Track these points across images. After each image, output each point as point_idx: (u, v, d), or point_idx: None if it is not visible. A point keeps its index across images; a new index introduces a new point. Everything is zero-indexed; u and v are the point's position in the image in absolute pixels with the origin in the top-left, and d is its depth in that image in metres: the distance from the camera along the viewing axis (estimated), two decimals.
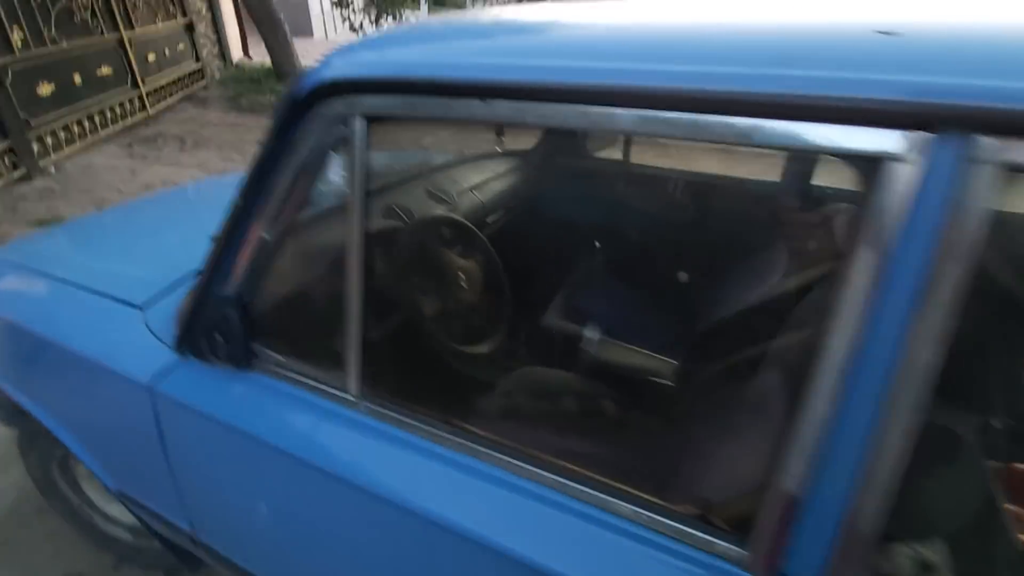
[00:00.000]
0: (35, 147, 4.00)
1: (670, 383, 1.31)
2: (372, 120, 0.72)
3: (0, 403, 1.45)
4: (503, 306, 1.34)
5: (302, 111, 0.75)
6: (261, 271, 0.86)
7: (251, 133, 5.76)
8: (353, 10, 7.27)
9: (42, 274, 1.25)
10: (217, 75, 7.49)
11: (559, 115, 0.60)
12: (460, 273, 1.25)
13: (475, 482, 0.73)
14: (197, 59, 6.86)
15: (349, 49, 0.77)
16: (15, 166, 3.82)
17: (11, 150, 3.77)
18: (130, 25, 5.32)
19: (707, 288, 1.53)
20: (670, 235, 1.72)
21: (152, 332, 1.00)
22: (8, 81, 3.73)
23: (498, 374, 1.11)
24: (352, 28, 7.35)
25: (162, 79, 5.90)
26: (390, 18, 7.17)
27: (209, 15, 7.49)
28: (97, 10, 4.79)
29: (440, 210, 1.54)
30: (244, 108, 6.55)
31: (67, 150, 4.35)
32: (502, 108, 0.63)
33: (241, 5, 8.40)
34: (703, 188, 1.79)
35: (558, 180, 1.99)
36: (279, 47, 7.40)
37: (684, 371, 1.32)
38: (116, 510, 1.53)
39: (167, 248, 1.39)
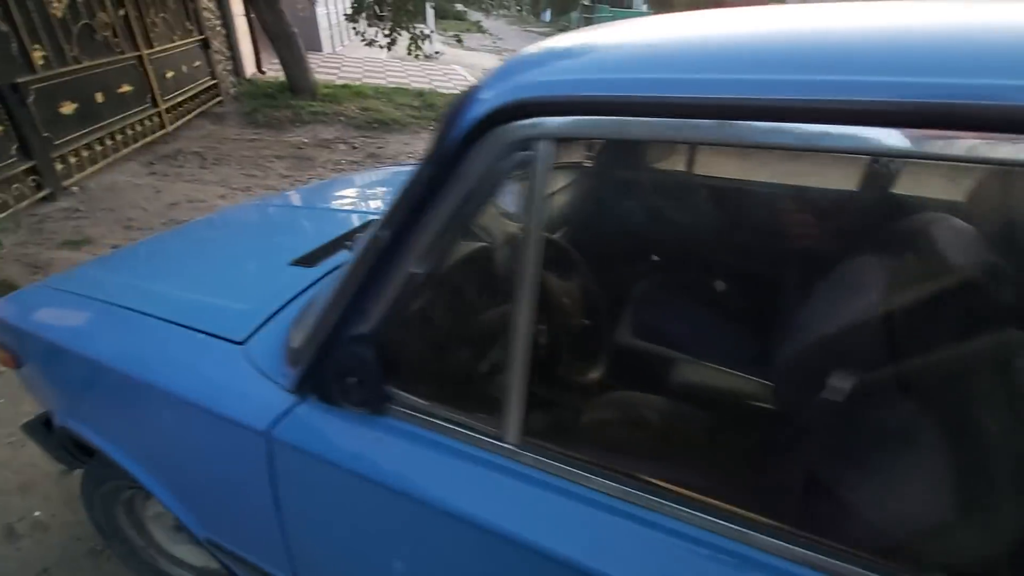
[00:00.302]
0: (58, 167, 3.92)
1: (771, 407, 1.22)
2: (558, 142, 0.63)
3: (60, 442, 1.36)
4: (604, 330, 1.25)
5: (475, 136, 0.66)
6: (405, 309, 0.77)
7: (269, 148, 5.70)
8: (367, 24, 7.24)
9: (116, 306, 1.16)
10: (232, 91, 7.45)
11: (845, 137, 0.51)
12: (565, 298, 1.16)
13: (669, 541, 0.63)
14: (212, 75, 6.82)
15: (526, 64, 0.68)
16: (39, 186, 3.74)
17: (34, 170, 3.69)
18: (149, 43, 5.27)
19: (796, 303, 1.44)
20: (753, 248, 1.63)
21: (260, 371, 0.91)
22: (30, 100, 3.66)
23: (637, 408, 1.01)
24: (366, 42, 7.32)
25: (180, 96, 5.85)
26: (404, 32, 7.14)
27: (223, 32, 7.47)
28: (117, 29, 4.75)
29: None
30: (260, 123, 6.50)
31: (89, 169, 4.27)
32: (746, 130, 0.54)
33: (255, 22, 8.40)
34: (779, 198, 1.71)
35: (624, 192, 1.91)
36: (294, 62, 7.38)
37: (786, 394, 1.23)
38: (183, 551, 1.43)
39: (245, 276, 1.30)
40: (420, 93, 8.63)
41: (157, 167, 4.83)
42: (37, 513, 1.66)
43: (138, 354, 1.04)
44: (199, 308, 1.10)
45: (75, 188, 4.07)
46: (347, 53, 13.50)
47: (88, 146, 4.27)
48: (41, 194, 3.74)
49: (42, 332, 1.17)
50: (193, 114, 6.17)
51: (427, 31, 7.14)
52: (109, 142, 4.55)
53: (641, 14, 29.77)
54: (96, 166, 4.35)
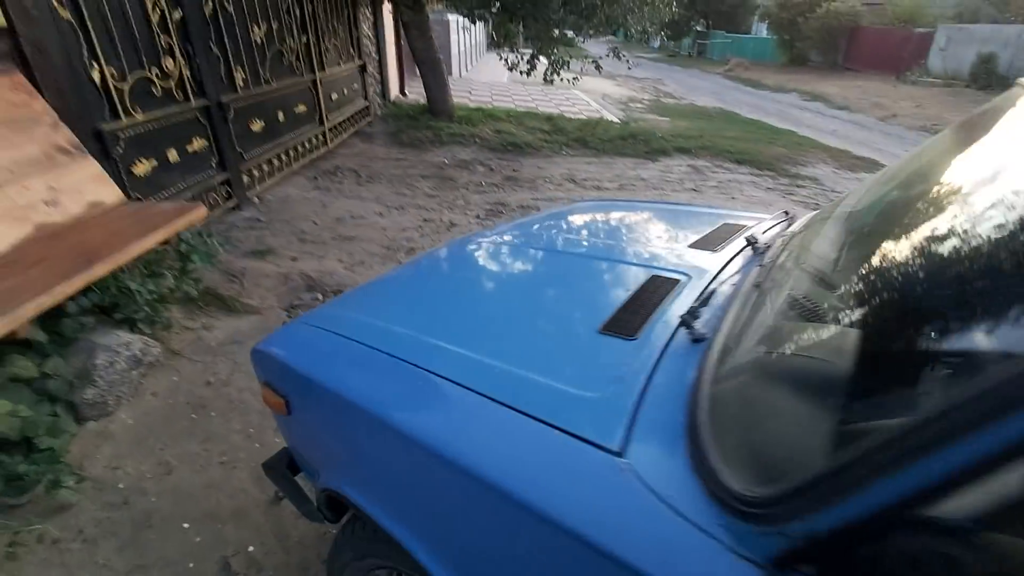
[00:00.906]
0: (245, 179, 4.19)
1: None
2: None
3: (316, 499, 1.22)
4: None
5: None
6: None
7: (414, 168, 5.82)
8: (512, 51, 7.28)
9: (409, 365, 1.00)
10: (379, 112, 7.82)
11: None
12: None
13: None
14: (365, 97, 7.18)
15: None
16: (229, 196, 3.99)
17: (227, 182, 3.95)
18: (323, 67, 5.61)
19: None
20: None
21: (673, 508, 0.66)
22: (231, 117, 3.93)
23: None
24: (510, 68, 7.36)
25: (340, 116, 6.17)
26: (544, 58, 7.10)
27: (376, 58, 7.88)
28: (300, 54, 5.07)
29: None
30: (405, 143, 6.71)
31: (268, 182, 4.54)
32: None
33: (404, 48, 8.82)
34: None
35: None
36: (437, 86, 7.60)
37: None
38: None
39: (547, 341, 1.07)
40: (549, 117, 8.58)
41: (320, 182, 5.07)
42: (251, 548, 1.58)
43: (457, 433, 0.86)
44: (520, 384, 0.91)
45: (256, 199, 4.32)
46: (474, 77, 13.93)
47: (268, 161, 4.54)
48: (231, 204, 3.99)
49: (329, 382, 1.04)
50: (348, 133, 6.49)
51: (567, 58, 7.05)
52: (284, 157, 4.83)
53: (760, 40, 28.08)
54: (273, 179, 4.62)
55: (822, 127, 11.11)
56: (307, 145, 5.29)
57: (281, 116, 4.74)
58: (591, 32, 6.82)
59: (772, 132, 9.72)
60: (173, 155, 3.32)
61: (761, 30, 29.91)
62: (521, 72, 7.19)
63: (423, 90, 7.80)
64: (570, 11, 6.22)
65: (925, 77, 16.58)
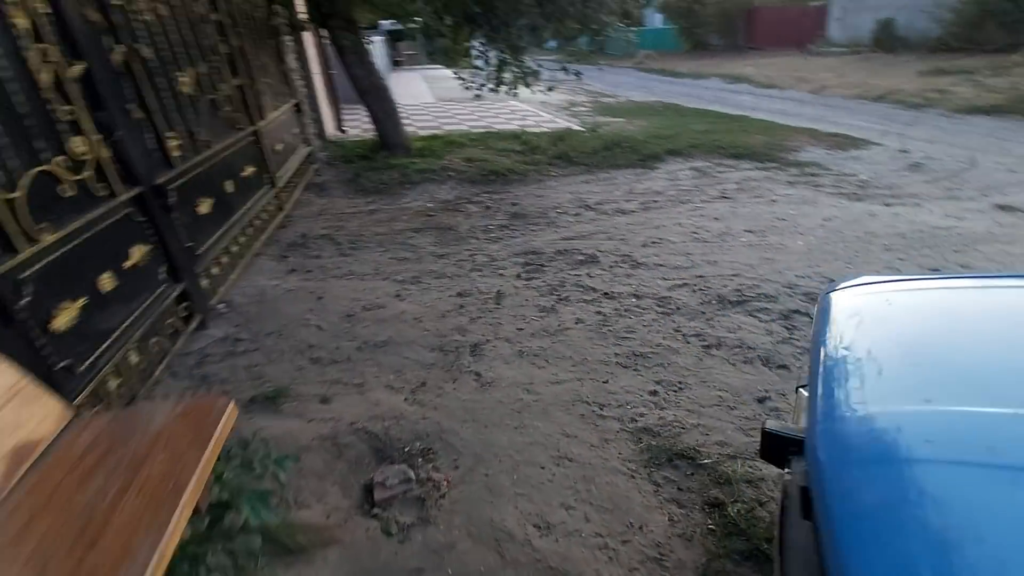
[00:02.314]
0: (204, 283, 3.05)
1: None
2: None
3: None
4: None
5: None
6: None
7: (396, 220, 4.82)
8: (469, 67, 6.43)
9: None
10: (323, 155, 6.69)
11: None
12: None
13: None
14: (307, 141, 6.06)
15: None
16: (190, 314, 2.85)
17: (185, 295, 2.81)
18: (261, 113, 4.49)
19: None
20: None
21: None
22: (173, 203, 2.81)
23: None
24: (477, 93, 6.52)
25: (288, 170, 5.04)
26: (513, 70, 6.32)
27: (307, 92, 6.76)
28: (235, 100, 3.95)
29: None
30: (368, 189, 5.67)
31: (231, 277, 3.40)
32: None
33: (336, 79, 7.72)
34: None
35: None
36: (386, 116, 6.62)
37: None
38: None
39: None
40: (514, 135, 7.81)
41: (293, 260, 3.96)
42: None
43: None
44: None
45: (222, 305, 3.18)
46: (400, 101, 12.90)
47: (226, 250, 3.40)
48: (193, 325, 2.85)
49: None
50: (300, 189, 5.36)
51: (535, 67, 6.32)
52: (242, 239, 3.69)
53: (659, 31, 29.12)
54: (236, 272, 3.48)
55: (768, 108, 11.17)
56: (264, 216, 4.16)
57: (230, 186, 3.61)
58: (564, 38, 6.14)
59: (732, 120, 9.54)
60: (107, 282, 2.19)
61: (656, 21, 31.05)
62: (490, 89, 6.37)
63: (364, 124, 6.77)
64: (542, 15, 5.48)
65: (829, 47, 17.57)
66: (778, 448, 1.42)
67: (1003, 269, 3.35)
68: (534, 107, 11.57)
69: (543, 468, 1.92)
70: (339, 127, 7.74)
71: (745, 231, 4.19)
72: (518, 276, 3.57)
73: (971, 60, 11.99)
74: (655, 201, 5.10)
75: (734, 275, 3.41)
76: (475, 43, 6.41)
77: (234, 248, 3.53)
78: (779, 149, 6.94)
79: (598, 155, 6.68)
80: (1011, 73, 10.50)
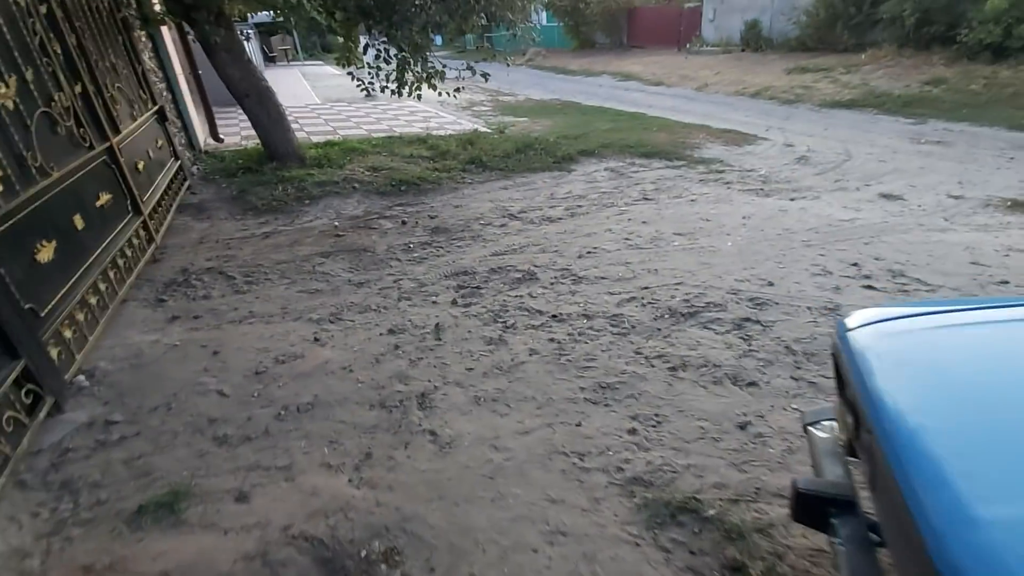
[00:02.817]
0: (53, 353, 2.37)
1: None
2: None
3: None
4: None
5: None
6: None
7: (300, 244, 4.26)
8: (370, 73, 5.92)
9: None
10: (195, 168, 5.82)
11: None
12: None
13: None
14: (174, 155, 5.21)
15: None
16: (37, 398, 2.19)
17: (27, 374, 2.15)
18: (115, 127, 3.71)
19: None
20: None
21: None
22: None
23: None
24: (367, 92, 6.00)
25: (156, 192, 4.26)
26: (414, 71, 5.90)
27: (171, 96, 5.87)
28: (79, 112, 3.19)
29: None
30: (260, 208, 5.00)
31: (92, 337, 2.71)
32: None
33: (202, 79, 6.78)
34: None
35: None
36: (271, 123, 5.92)
37: None
38: None
39: None
40: (420, 139, 7.39)
41: (173, 304, 3.29)
42: None
43: None
44: None
45: (82, 378, 2.51)
46: (283, 103, 11.81)
47: (82, 303, 2.71)
48: (44, 412, 2.19)
49: None
50: (171, 212, 4.57)
51: (440, 66, 5.95)
52: (103, 286, 2.98)
53: (545, 28, 29.71)
54: (98, 330, 2.79)
55: (660, 105, 11.71)
56: (128, 253, 3.43)
57: (80, 222, 2.90)
58: (463, 32, 5.84)
59: (633, 118, 9.84)
60: None
61: (541, 19, 31.73)
62: (392, 92, 5.90)
63: (245, 131, 6.02)
64: (446, 10, 5.15)
65: (704, 47, 18.93)
66: (815, 509, 1.27)
67: (912, 259, 3.61)
68: (434, 107, 11.16)
69: (536, 551, 1.64)
70: (213, 135, 6.82)
71: (675, 234, 4.19)
72: (454, 302, 3.24)
73: (827, 59, 13.46)
74: (579, 206, 4.99)
75: (678, 283, 3.35)
76: (371, 40, 5.91)
77: (92, 299, 2.83)
78: (683, 147, 7.21)
79: (512, 158, 6.49)
80: (860, 71, 11.91)
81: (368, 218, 4.84)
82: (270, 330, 2.99)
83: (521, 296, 3.28)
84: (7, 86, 2.50)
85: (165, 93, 5.76)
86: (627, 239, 4.13)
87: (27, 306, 2.26)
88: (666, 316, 2.99)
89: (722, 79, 14.22)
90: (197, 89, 6.61)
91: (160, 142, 4.84)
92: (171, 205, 4.61)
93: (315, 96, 13.27)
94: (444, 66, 6.02)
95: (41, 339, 2.28)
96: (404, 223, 4.70)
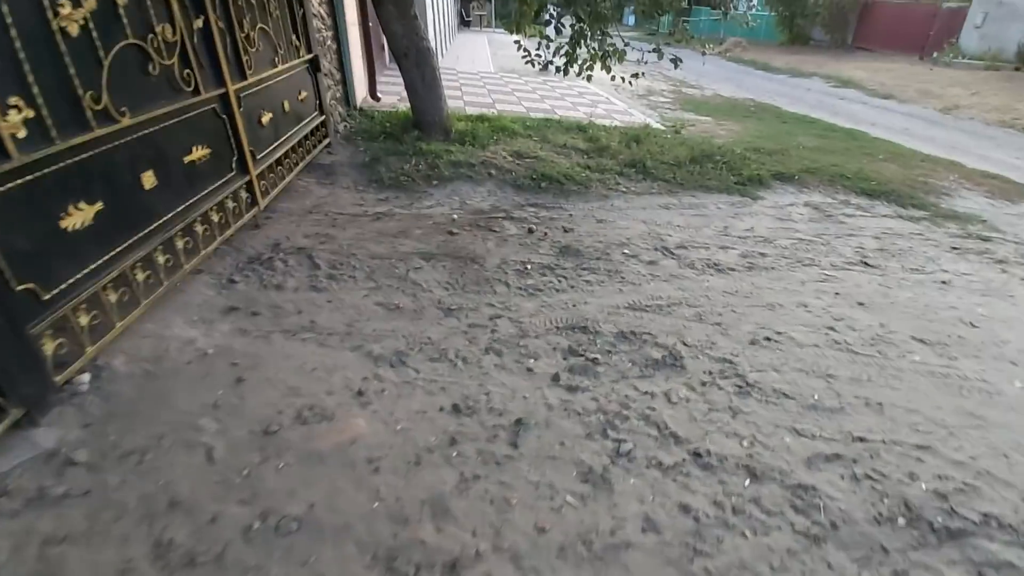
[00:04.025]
0: (49, 348, 1.87)
1: None
2: None
3: None
4: None
5: None
6: None
7: (407, 235, 3.54)
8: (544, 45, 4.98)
9: None
10: (342, 127, 5.44)
11: None
12: None
13: None
14: (320, 109, 4.81)
15: None
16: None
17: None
18: (241, 73, 3.25)
19: None
20: None
21: None
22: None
23: None
24: (535, 65, 5.08)
25: (279, 150, 3.81)
26: (590, 46, 4.84)
27: (334, 46, 5.49)
28: (190, 52, 2.71)
29: None
30: (385, 182, 4.41)
31: (122, 323, 2.22)
32: None
33: (374, 32, 6.42)
34: None
35: None
36: (425, 89, 5.27)
37: None
38: None
39: None
40: (579, 127, 6.35)
41: (242, 289, 2.76)
42: None
43: None
44: None
45: (86, 377, 2.01)
46: (453, 65, 11.51)
47: (122, 280, 2.21)
48: (3, 426, 1.68)
49: None
50: (295, 172, 4.14)
51: (623, 45, 4.82)
52: (163, 258, 2.50)
53: (753, 16, 26.53)
54: (137, 312, 2.29)
55: (888, 124, 9.18)
56: (215, 218, 2.96)
57: (149, 179, 2.41)
58: (661, 10, 4.62)
59: (849, 136, 7.72)
60: None
61: (750, 8, 28.00)
62: (557, 68, 4.93)
63: (402, 91, 5.46)
64: None
65: (959, 58, 14.90)
66: None
67: None
68: (606, 90, 9.96)
69: None
70: (372, 92, 6.48)
71: (914, 339, 2.70)
72: (555, 378, 2.25)
73: None
74: (762, 254, 3.63)
75: (921, 447, 1.99)
76: (549, 6, 4.95)
77: (141, 274, 2.34)
78: (923, 189, 5.24)
79: (683, 169, 5.17)
80: None
81: (492, 216, 3.99)
82: (318, 358, 2.28)
83: (653, 395, 2.18)
84: (78, 5, 1.99)
85: (330, 43, 5.42)
86: (831, 329, 2.75)
87: (21, 287, 1.75)
88: (899, 519, 1.69)
89: (981, 102, 10.90)
90: (364, 42, 6.24)
91: (304, 94, 4.44)
92: (297, 164, 4.19)
93: (491, 64, 12.76)
94: (627, 44, 4.86)
95: (28, 331, 1.77)
96: (531, 231, 3.77)
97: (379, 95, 6.58)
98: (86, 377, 2.01)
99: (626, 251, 3.54)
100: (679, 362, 2.40)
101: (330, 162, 4.70)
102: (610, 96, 9.44)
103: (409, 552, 1.49)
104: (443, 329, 2.58)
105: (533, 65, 5.36)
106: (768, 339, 2.63)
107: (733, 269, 3.38)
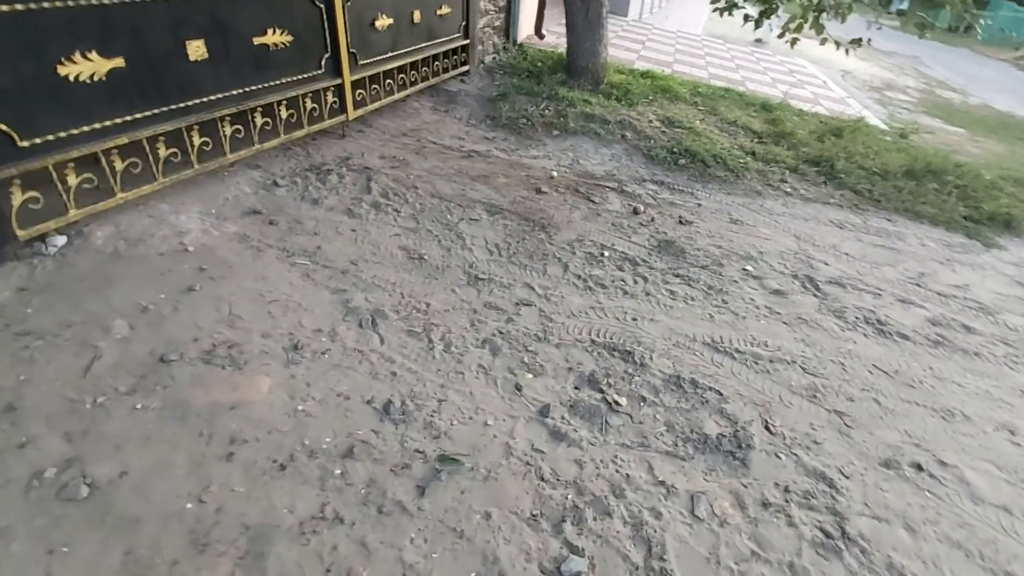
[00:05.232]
0: (16, 200, 1.70)
1: None
2: None
3: None
4: None
5: None
6: None
7: (488, 180, 2.96)
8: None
9: None
10: (487, 59, 4.93)
11: None
12: None
13: None
14: (465, 33, 4.32)
15: None
16: None
17: None
18: None
19: None
20: None
21: None
22: None
23: None
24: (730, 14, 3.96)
25: (389, 62, 3.42)
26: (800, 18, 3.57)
27: None
28: None
29: None
30: (501, 120, 3.82)
31: (126, 195, 2.03)
32: None
33: None
34: None
35: None
36: (584, 27, 4.48)
37: None
38: None
39: None
40: (764, 105, 4.99)
41: (279, 193, 2.47)
42: None
43: None
44: None
45: (60, 240, 1.85)
46: (657, 23, 10.19)
47: (133, 148, 2.01)
48: None
49: None
50: (409, 91, 3.75)
51: (847, 1, 3.45)
52: (199, 140, 2.27)
53: None
54: (150, 187, 2.10)
55: None
56: (284, 113, 2.67)
57: (196, 49, 2.14)
58: None
59: None
60: None
61: None
62: (745, 18, 3.77)
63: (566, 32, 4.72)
64: None
65: None
66: None
67: None
68: (829, 73, 7.95)
69: None
70: (536, 29, 5.81)
71: None
72: (543, 412, 1.54)
73: None
74: (968, 328, 2.33)
75: None
76: None
77: (165, 150, 2.12)
78: None
79: (889, 182, 3.71)
80: None
81: (600, 183, 3.20)
82: (290, 290, 1.88)
83: (671, 492, 1.37)
84: None
85: None
86: None
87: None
88: None
89: None
90: None
91: (446, 10, 3.97)
92: (415, 83, 3.80)
93: (700, 27, 11.09)
94: (878, 26, 3.47)
95: None
96: (636, 211, 2.93)
97: (544, 33, 5.89)
98: (60, 240, 1.85)
99: (749, 268, 2.53)
100: (742, 453, 1.51)
101: (457, 90, 4.25)
102: (829, 80, 7.49)
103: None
104: (451, 299, 1.99)
105: (730, 14, 4.19)
106: (919, 468, 1.57)
107: (906, 337, 2.20)
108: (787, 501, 1.40)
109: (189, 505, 1.15)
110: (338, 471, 1.28)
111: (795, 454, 1.54)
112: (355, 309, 1.85)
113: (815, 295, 2.41)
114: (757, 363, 1.90)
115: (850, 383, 1.88)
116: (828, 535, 1.32)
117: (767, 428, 1.61)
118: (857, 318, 2.28)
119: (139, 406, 1.35)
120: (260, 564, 1.07)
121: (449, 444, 1.40)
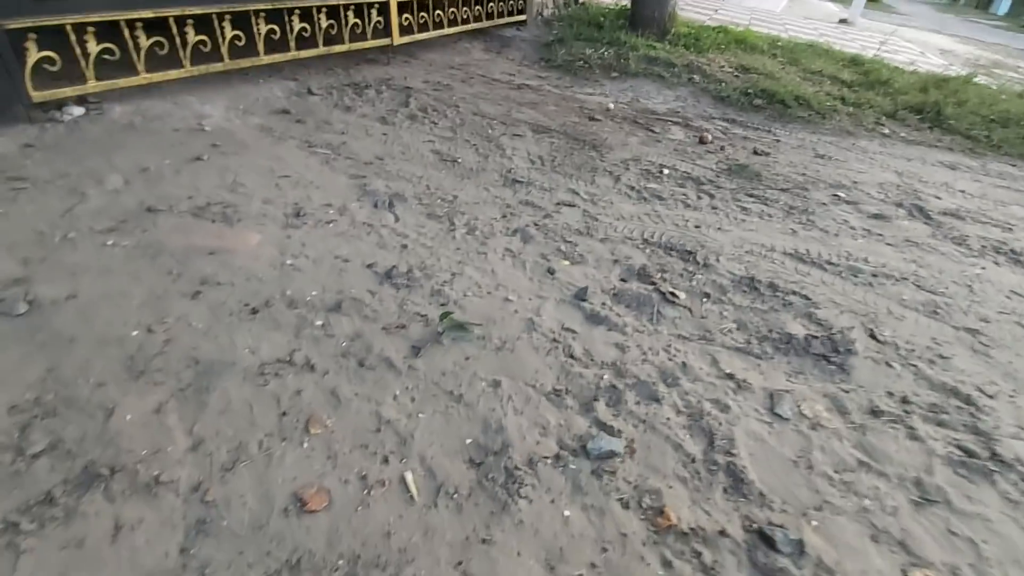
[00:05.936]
0: (30, 55, 1.60)
1: None
2: None
3: None
4: None
5: None
6: None
7: (529, 111, 2.68)
8: None
9: None
10: (547, 11, 4.66)
11: None
12: None
13: None
14: None
15: None
16: None
17: None
18: None
19: None
20: None
21: None
22: None
23: None
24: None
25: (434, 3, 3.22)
26: None
27: None
28: None
29: None
30: (556, 62, 3.55)
31: (139, 76, 1.92)
32: None
33: None
34: None
35: None
36: None
37: None
38: None
39: None
40: (854, 59, 4.41)
41: (307, 102, 2.30)
42: None
43: None
44: None
45: (77, 110, 1.75)
46: (746, 2, 9.53)
47: (147, 33, 1.89)
48: None
49: None
50: (456, 29, 3.54)
51: None
52: (229, 33, 2.13)
53: None
54: (174, 74, 1.98)
55: None
56: (322, 24, 2.52)
57: None
58: None
59: None
60: None
61: None
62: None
63: None
64: None
65: None
66: None
67: None
68: (928, 52, 7.09)
69: None
70: None
71: None
72: (578, 296, 1.24)
73: None
74: None
75: None
76: None
77: (188, 37, 2.00)
78: None
79: (1011, 130, 3.10)
80: None
81: (663, 118, 2.84)
82: (306, 170, 1.68)
83: (741, 386, 1.02)
84: None
85: None
86: None
87: None
88: None
89: None
90: None
91: None
92: (465, 22, 3.58)
93: (780, 5, 10.30)
94: None
95: (7, 25, 1.50)
96: (702, 140, 2.55)
97: None
98: (77, 111, 1.74)
99: (840, 194, 2.10)
100: (839, 358, 1.13)
101: (511, 35, 4.00)
102: (927, 52, 6.65)
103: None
104: (483, 194, 1.73)
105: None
106: None
107: None
108: (906, 412, 1.01)
109: (135, 333, 0.94)
110: (319, 322, 1.04)
111: (913, 365, 1.15)
112: (372, 192, 1.62)
113: (926, 223, 1.95)
114: (856, 276, 1.50)
115: (982, 304, 1.44)
116: (971, 454, 0.93)
117: (872, 336, 1.22)
118: (984, 246, 1.80)
119: (110, 243, 1.17)
120: (200, 397, 0.83)
121: (458, 313, 1.13)
